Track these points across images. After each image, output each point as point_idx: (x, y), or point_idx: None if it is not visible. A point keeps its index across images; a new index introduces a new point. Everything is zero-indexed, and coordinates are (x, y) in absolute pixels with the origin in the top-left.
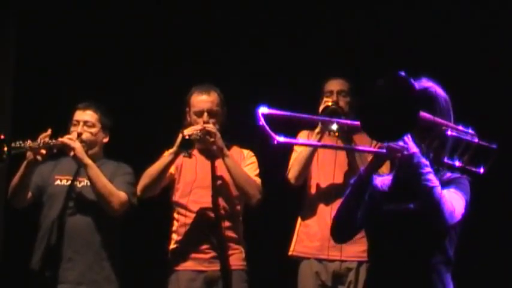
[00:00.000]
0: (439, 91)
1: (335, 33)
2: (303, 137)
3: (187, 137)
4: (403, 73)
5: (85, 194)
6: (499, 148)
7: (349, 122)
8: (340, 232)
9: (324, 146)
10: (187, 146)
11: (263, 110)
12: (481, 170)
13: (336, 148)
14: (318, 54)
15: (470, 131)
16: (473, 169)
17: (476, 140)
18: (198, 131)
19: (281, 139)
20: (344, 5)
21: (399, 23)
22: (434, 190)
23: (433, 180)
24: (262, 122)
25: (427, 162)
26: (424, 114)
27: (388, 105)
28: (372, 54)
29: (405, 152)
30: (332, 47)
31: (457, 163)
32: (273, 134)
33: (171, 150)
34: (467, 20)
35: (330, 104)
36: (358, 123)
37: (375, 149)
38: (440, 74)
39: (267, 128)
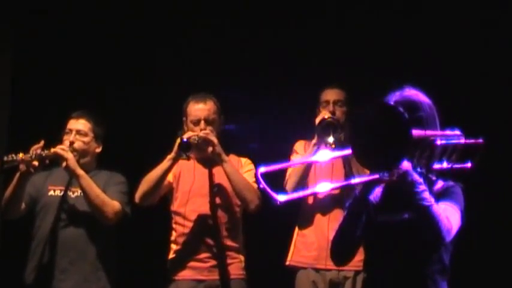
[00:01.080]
0: (423, 98)
1: (331, 42)
2: (299, 147)
3: (185, 139)
4: (390, 102)
5: (78, 205)
6: (487, 142)
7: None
8: (339, 255)
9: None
10: (185, 148)
11: (261, 170)
12: (469, 165)
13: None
14: (315, 64)
15: (456, 132)
16: (462, 166)
17: (463, 140)
18: (196, 137)
19: (283, 198)
20: (338, 14)
21: (392, 31)
22: (430, 209)
23: (428, 198)
24: (263, 184)
25: (421, 180)
26: (415, 132)
27: (379, 136)
28: (367, 62)
29: (398, 170)
30: (328, 56)
31: (445, 164)
32: (274, 196)
33: (170, 156)
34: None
35: (326, 117)
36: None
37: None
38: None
39: (269, 190)
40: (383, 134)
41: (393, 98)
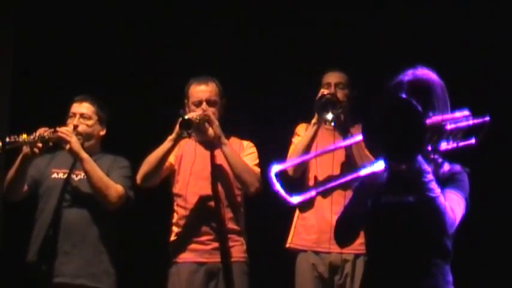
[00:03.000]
0: (435, 79)
1: (333, 26)
2: (301, 130)
3: (186, 117)
4: (404, 95)
5: (82, 187)
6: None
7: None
8: (343, 237)
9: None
10: (185, 126)
11: (275, 168)
12: (473, 141)
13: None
14: (316, 47)
15: (465, 113)
16: (466, 142)
17: (471, 121)
18: (197, 115)
19: (296, 200)
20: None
21: (396, 15)
22: (436, 201)
23: (434, 189)
24: (276, 187)
25: (429, 169)
26: (428, 121)
27: (393, 129)
28: (370, 46)
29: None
30: (330, 40)
31: (451, 144)
32: (288, 198)
33: (171, 137)
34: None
35: (325, 93)
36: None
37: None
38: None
39: (282, 193)
40: (397, 127)
41: (405, 77)
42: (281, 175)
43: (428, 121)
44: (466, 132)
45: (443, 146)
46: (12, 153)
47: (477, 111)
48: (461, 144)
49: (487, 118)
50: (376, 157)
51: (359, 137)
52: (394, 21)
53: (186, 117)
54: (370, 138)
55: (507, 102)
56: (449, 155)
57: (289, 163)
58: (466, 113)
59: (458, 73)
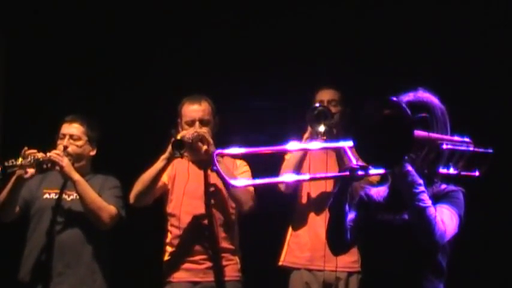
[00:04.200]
0: (436, 102)
1: (327, 43)
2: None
3: (178, 137)
4: (394, 97)
5: (74, 208)
6: (496, 152)
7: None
8: (334, 248)
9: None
10: (178, 146)
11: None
12: (477, 173)
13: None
14: (310, 64)
15: (466, 139)
16: (469, 173)
17: (472, 148)
18: (191, 135)
19: (237, 183)
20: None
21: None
22: (426, 211)
23: (425, 200)
24: (217, 167)
25: (421, 181)
26: (418, 132)
27: (382, 132)
28: (364, 62)
29: (400, 170)
30: (323, 56)
31: (452, 170)
32: (227, 180)
33: (164, 156)
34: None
35: (317, 105)
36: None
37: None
38: (435, 80)
39: (222, 173)
40: (386, 130)
41: (406, 97)
42: (275, 197)
43: (420, 132)
44: (470, 163)
45: (444, 170)
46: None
47: (482, 143)
48: (463, 173)
49: (490, 150)
50: (365, 160)
51: (350, 143)
52: (391, 38)
53: (179, 137)
54: (359, 140)
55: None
56: (448, 179)
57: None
58: (467, 140)
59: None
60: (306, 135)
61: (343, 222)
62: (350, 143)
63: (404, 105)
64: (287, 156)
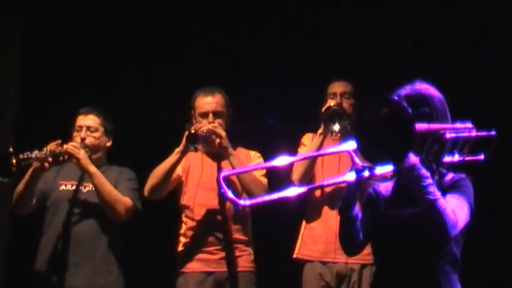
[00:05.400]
0: (434, 92)
1: (338, 36)
2: (307, 140)
3: (192, 131)
4: (395, 97)
5: (90, 199)
6: (499, 133)
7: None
8: (347, 249)
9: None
10: (192, 140)
11: (223, 174)
12: (482, 157)
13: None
14: (322, 57)
15: (468, 125)
16: (474, 158)
17: (474, 133)
18: (204, 129)
19: (247, 202)
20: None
21: (398, 25)
22: (436, 203)
23: (434, 192)
24: (224, 189)
25: (428, 174)
26: (419, 126)
27: (384, 131)
28: (373, 55)
29: (405, 165)
30: (335, 50)
31: (457, 157)
32: (236, 200)
33: (178, 149)
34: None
35: (332, 104)
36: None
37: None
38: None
39: (230, 195)
40: (387, 129)
41: (404, 91)
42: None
43: (421, 126)
44: (474, 147)
45: (449, 158)
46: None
47: (484, 125)
48: (468, 158)
49: (493, 132)
50: (370, 160)
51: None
52: (400, 30)
53: (193, 131)
54: (362, 142)
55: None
56: (454, 167)
57: (238, 170)
58: (469, 125)
59: (465, 86)
60: (320, 131)
61: (354, 225)
62: (354, 145)
63: (402, 102)
64: (301, 151)
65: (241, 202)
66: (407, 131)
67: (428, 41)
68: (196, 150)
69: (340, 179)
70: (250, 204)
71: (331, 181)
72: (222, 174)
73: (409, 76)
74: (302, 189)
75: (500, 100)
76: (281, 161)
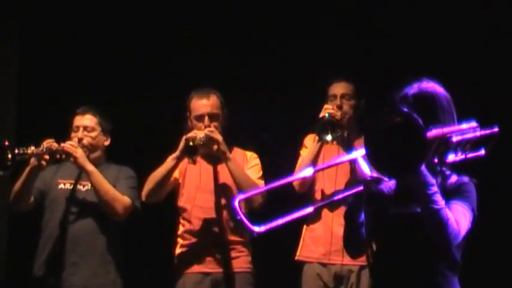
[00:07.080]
0: (441, 91)
1: (340, 36)
2: (309, 141)
3: (191, 144)
4: (405, 109)
5: (88, 198)
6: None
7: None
8: (352, 253)
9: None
10: (191, 152)
11: (239, 198)
12: (482, 152)
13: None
14: (321, 57)
15: (472, 124)
16: (475, 154)
17: (479, 132)
18: (202, 137)
19: (261, 229)
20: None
21: (400, 24)
22: (440, 213)
23: (439, 201)
24: (240, 215)
25: (433, 181)
26: (430, 134)
27: (395, 142)
28: (375, 55)
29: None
30: (335, 49)
31: (460, 155)
32: (251, 227)
33: (174, 155)
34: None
35: (326, 115)
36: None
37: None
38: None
39: (246, 222)
40: (397, 139)
41: (410, 90)
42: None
43: (433, 133)
44: (475, 144)
45: (451, 157)
46: (18, 165)
47: (486, 122)
48: (470, 155)
49: (496, 129)
50: (379, 171)
51: (362, 151)
52: (402, 30)
53: (190, 135)
54: (373, 152)
55: None
56: (457, 167)
57: (253, 192)
58: (473, 124)
59: (467, 85)
60: (317, 138)
61: (359, 232)
62: (362, 151)
63: (415, 115)
64: (302, 153)
65: (256, 229)
66: (420, 143)
67: (429, 41)
68: (194, 163)
69: (348, 192)
70: (265, 231)
71: (340, 195)
72: (237, 200)
73: (410, 76)
74: (309, 210)
75: (500, 100)
76: (308, 171)
